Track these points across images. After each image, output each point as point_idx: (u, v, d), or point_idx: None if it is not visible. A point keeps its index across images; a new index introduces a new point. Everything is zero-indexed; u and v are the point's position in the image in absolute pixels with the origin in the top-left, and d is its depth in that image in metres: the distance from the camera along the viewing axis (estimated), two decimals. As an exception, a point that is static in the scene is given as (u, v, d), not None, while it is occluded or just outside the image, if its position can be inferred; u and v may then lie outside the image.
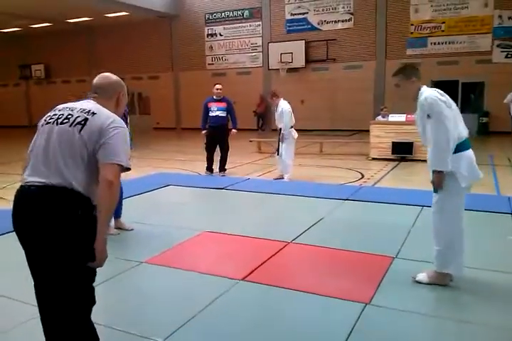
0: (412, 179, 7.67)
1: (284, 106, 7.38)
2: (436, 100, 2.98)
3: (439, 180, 3.00)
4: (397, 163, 9.06)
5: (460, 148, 3.01)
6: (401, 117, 9.49)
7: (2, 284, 3.36)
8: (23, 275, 3.56)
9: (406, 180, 7.56)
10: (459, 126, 3.03)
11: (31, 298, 3.10)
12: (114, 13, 18.01)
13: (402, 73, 3.24)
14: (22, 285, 3.36)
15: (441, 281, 3.19)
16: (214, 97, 7.94)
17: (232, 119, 8.05)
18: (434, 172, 3.03)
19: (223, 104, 7.94)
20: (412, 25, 15.43)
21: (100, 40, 21.27)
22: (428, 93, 3.06)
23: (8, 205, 6.55)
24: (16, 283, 3.40)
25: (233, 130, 8.04)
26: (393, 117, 9.72)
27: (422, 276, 3.25)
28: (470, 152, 3.08)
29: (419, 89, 3.16)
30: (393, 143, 9.24)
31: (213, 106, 7.88)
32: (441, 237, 3.13)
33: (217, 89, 7.89)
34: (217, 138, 8.01)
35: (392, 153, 9.27)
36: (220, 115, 7.89)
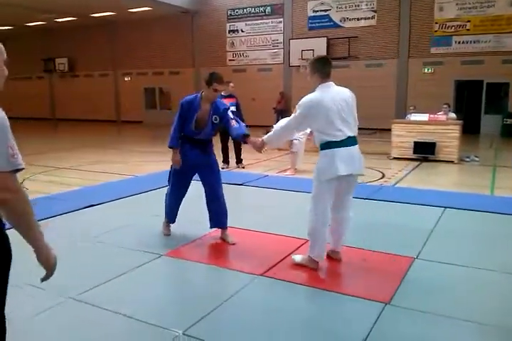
0: (434, 180, 7.57)
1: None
2: (308, 102, 3.30)
3: (259, 145, 3.71)
4: (418, 163, 8.94)
5: (332, 145, 3.24)
6: (423, 116, 9.36)
7: (28, 273, 3.41)
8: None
9: (428, 180, 7.45)
10: (333, 125, 3.24)
11: (54, 286, 3.16)
12: (137, 8, 18.14)
13: (311, 63, 3.43)
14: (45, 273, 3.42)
15: (310, 264, 3.46)
16: (223, 94, 8.07)
17: (239, 115, 8.09)
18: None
19: (233, 100, 8.28)
20: (436, 23, 15.18)
21: (123, 35, 21.45)
22: (309, 95, 3.34)
23: (31, 196, 6.66)
24: (39, 271, 3.46)
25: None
26: (415, 116, 9.60)
27: (298, 257, 3.56)
28: (342, 150, 3.25)
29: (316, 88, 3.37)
30: (415, 142, 9.12)
31: (225, 102, 7.95)
32: (308, 223, 3.45)
33: (231, 87, 8.30)
34: None
35: (414, 153, 9.15)
36: (232, 110, 7.96)
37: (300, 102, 3.36)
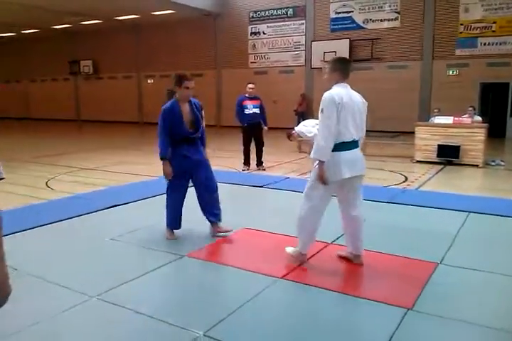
0: (458, 183, 7.44)
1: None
2: (332, 97, 3.25)
3: (320, 169, 3.31)
4: (442, 166, 8.80)
5: (340, 147, 3.28)
6: (448, 119, 9.21)
7: (53, 271, 3.49)
8: (72, 265, 3.71)
9: (452, 184, 7.33)
10: (346, 125, 3.27)
11: (78, 285, 3.22)
12: (160, 11, 18.36)
13: (332, 62, 3.43)
14: (70, 273, 3.50)
15: (297, 257, 3.58)
16: (247, 95, 8.29)
17: (263, 117, 8.43)
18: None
19: (257, 102, 8.39)
20: (461, 24, 14.92)
21: (146, 37, 21.72)
22: (329, 91, 3.32)
23: (56, 195, 6.82)
24: (64, 270, 3.53)
25: (265, 127, 8.47)
26: (439, 119, 9.45)
27: (290, 249, 3.66)
28: (347, 153, 3.31)
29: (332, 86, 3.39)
30: (439, 145, 8.97)
31: (249, 104, 8.30)
32: (297, 217, 3.53)
33: (250, 88, 8.33)
34: (254, 134, 8.47)
35: (438, 156, 9.01)
36: (256, 112, 8.35)
37: (323, 100, 3.31)
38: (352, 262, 3.62)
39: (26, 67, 26.55)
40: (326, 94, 3.31)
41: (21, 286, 3.25)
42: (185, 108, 4.13)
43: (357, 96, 3.43)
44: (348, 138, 3.30)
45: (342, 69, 3.37)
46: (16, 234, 4.37)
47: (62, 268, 3.56)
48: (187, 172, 4.17)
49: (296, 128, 6.93)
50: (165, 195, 4.32)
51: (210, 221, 4.33)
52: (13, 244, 4.11)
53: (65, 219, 4.88)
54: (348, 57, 16.44)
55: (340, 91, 3.31)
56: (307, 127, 6.75)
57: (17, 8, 17.11)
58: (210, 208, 4.29)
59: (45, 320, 2.76)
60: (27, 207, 5.60)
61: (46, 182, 7.49)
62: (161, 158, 4.07)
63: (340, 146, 3.29)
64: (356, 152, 3.38)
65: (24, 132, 19.10)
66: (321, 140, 3.26)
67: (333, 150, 3.28)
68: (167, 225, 4.31)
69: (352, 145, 3.34)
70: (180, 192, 4.21)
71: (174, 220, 4.29)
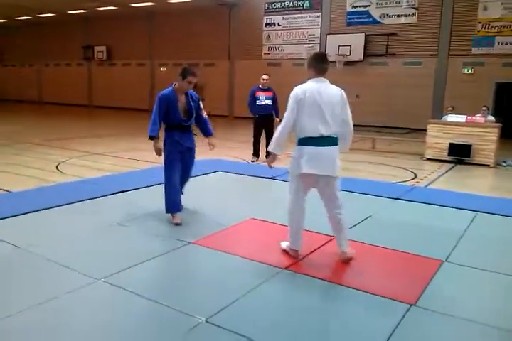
0: (468, 183, 7.39)
1: None
2: (295, 92, 3.35)
3: (271, 159, 3.58)
4: (453, 165, 8.73)
5: (304, 142, 3.32)
6: (461, 118, 9.12)
7: (60, 253, 3.53)
8: (79, 247, 3.75)
9: (461, 183, 7.28)
10: (311, 121, 3.28)
11: (84, 267, 3.26)
12: (176, -1, 18.29)
13: (308, 59, 3.53)
14: (77, 255, 3.54)
15: (290, 252, 3.59)
16: (260, 86, 8.34)
17: (275, 109, 8.41)
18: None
19: (270, 94, 8.37)
20: (479, 23, 14.69)
21: (160, 25, 21.67)
22: (298, 86, 3.41)
23: (66, 179, 6.88)
24: (71, 252, 3.57)
25: (277, 119, 8.39)
26: (452, 117, 9.36)
27: (284, 243, 3.67)
28: (311, 149, 3.29)
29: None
30: (450, 144, 8.90)
31: (261, 95, 8.31)
32: (287, 215, 3.55)
33: (264, 80, 8.29)
34: (265, 125, 8.43)
35: (449, 155, 8.93)
36: (268, 104, 8.35)
37: (290, 94, 3.39)
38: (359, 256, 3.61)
39: (40, 51, 26.66)
40: (293, 90, 3.41)
41: (28, 266, 3.30)
42: (182, 98, 4.38)
43: (332, 90, 3.39)
44: (313, 133, 3.28)
45: (315, 65, 3.41)
46: (25, 214, 4.43)
47: (69, 251, 3.60)
48: (179, 158, 4.42)
49: None
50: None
51: None
52: (21, 225, 4.17)
53: (73, 202, 4.92)
54: (362, 51, 16.33)
55: (311, 86, 3.34)
56: None
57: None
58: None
59: (50, 300, 2.79)
60: (37, 189, 5.65)
61: (56, 166, 7.55)
62: (150, 137, 4.32)
63: (304, 141, 3.32)
64: (324, 149, 3.30)
65: (36, 115, 19.23)
66: (277, 132, 3.43)
67: (298, 144, 3.38)
68: (169, 211, 4.42)
69: (319, 141, 3.28)
70: (176, 174, 4.42)
71: (174, 203, 4.42)
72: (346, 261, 3.50)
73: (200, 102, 4.56)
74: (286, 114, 3.37)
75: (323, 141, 3.29)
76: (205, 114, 4.61)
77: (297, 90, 3.36)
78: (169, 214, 4.42)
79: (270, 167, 3.70)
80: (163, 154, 4.37)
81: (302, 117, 3.30)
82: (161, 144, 4.35)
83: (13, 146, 9.77)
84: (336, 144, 3.37)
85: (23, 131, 12.79)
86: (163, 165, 4.43)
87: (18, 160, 8.12)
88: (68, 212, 4.66)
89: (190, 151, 4.53)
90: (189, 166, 4.61)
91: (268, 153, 9.05)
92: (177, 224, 4.29)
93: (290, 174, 3.51)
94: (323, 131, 3.28)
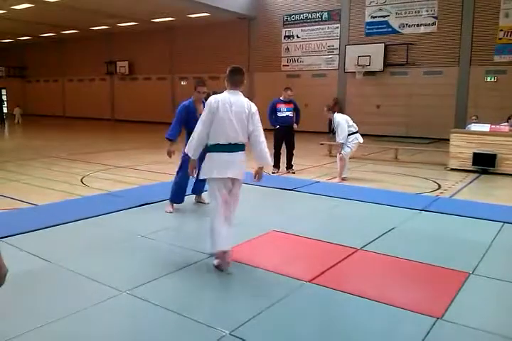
0: (493, 193, 7.24)
1: (338, 118, 7.72)
2: (210, 101, 3.57)
3: (190, 164, 3.85)
4: (477, 175, 8.58)
5: (214, 148, 3.56)
6: (484, 127, 8.98)
7: (85, 266, 3.59)
8: (104, 260, 3.80)
9: (487, 193, 7.14)
10: (221, 129, 3.52)
11: (110, 280, 3.31)
12: (195, 13, 18.61)
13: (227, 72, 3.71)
14: (103, 268, 3.59)
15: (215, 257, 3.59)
16: (282, 98, 8.42)
17: (297, 117, 8.71)
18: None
19: (291, 105, 8.57)
20: (501, 30, 14.53)
21: (180, 39, 22.07)
22: (214, 96, 3.64)
23: (91, 192, 7.00)
24: (97, 265, 3.63)
25: (295, 125, 8.67)
26: (476, 127, 9.24)
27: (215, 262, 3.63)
28: (221, 155, 3.54)
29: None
30: (474, 154, 8.76)
31: (282, 107, 8.52)
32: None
33: (290, 95, 8.53)
34: (286, 136, 8.60)
35: (473, 165, 8.79)
36: (289, 115, 8.54)
37: (206, 103, 3.65)
38: (379, 267, 3.58)
39: (64, 67, 27.42)
40: (209, 99, 3.65)
41: (54, 279, 3.37)
42: (200, 107, 4.95)
43: (242, 102, 3.62)
44: (222, 140, 3.53)
45: (230, 79, 3.67)
46: (51, 227, 4.52)
47: (95, 263, 3.66)
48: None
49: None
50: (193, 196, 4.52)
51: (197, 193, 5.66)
52: (47, 238, 4.26)
53: (98, 215, 5.01)
54: (382, 61, 16.28)
55: (224, 97, 3.59)
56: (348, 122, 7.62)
57: (57, 10, 17.69)
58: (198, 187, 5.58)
59: (78, 312, 2.84)
60: (62, 202, 5.77)
61: (81, 179, 7.71)
62: (167, 139, 5.08)
63: (213, 148, 3.57)
64: (232, 155, 3.57)
65: (61, 130, 19.70)
66: (191, 136, 3.69)
67: (208, 151, 3.61)
68: (170, 200, 5.23)
69: (228, 147, 3.55)
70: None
71: (179, 196, 5.23)
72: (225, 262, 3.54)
73: None
74: (199, 121, 3.60)
75: (232, 147, 3.58)
76: None
77: (211, 100, 3.59)
78: (170, 204, 5.22)
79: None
80: (182, 156, 5.01)
81: (214, 125, 3.54)
82: (174, 147, 5.04)
83: (40, 160, 10.02)
84: (241, 149, 3.63)
85: (49, 145, 13.11)
86: (180, 164, 5.18)
87: (44, 173, 8.33)
88: (93, 224, 4.74)
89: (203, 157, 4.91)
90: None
91: (290, 166, 9.12)
92: (170, 212, 5.12)
93: (208, 180, 3.70)
94: (235, 139, 3.56)
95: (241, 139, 3.59)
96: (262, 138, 3.67)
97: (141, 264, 3.67)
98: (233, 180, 3.65)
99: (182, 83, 22.63)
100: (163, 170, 8.62)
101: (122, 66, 24.47)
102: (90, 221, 4.83)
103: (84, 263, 3.65)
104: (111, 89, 25.91)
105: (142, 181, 7.60)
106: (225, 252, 3.52)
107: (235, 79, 3.66)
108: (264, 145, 3.68)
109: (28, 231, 4.37)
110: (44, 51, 28.10)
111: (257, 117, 3.66)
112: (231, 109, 3.53)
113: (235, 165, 3.59)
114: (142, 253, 3.92)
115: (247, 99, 3.68)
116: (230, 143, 3.55)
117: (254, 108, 3.68)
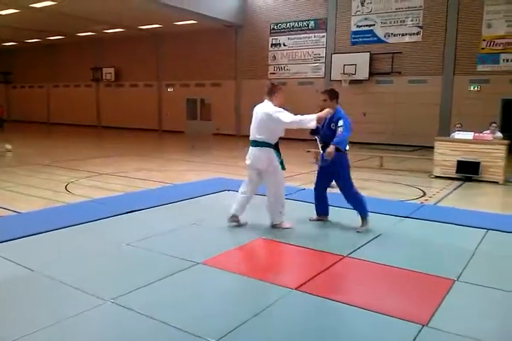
0: (477, 200, 7.34)
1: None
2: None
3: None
4: (461, 182, 8.70)
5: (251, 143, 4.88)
6: (468, 135, 9.12)
7: (69, 274, 3.53)
8: (88, 268, 3.75)
9: (471, 201, 7.23)
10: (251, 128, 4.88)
11: (94, 288, 3.26)
12: (182, 21, 18.65)
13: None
14: (86, 276, 3.54)
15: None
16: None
17: None
18: None
19: None
20: (483, 40, 14.84)
21: (167, 46, 22.07)
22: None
23: (75, 199, 6.91)
24: (80, 273, 3.57)
25: None
26: (459, 135, 9.37)
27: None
28: (250, 148, 4.88)
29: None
30: (458, 161, 8.88)
31: None
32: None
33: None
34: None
35: (457, 172, 8.90)
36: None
37: None
38: (370, 275, 3.58)
39: (50, 73, 27.20)
40: None
41: (37, 288, 3.31)
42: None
43: (260, 108, 4.81)
44: (250, 137, 4.85)
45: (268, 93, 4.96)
46: (34, 235, 4.45)
47: (79, 272, 3.60)
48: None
49: None
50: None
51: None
52: (31, 246, 4.19)
53: (82, 222, 4.94)
54: (368, 70, 16.44)
55: (258, 105, 4.90)
56: None
57: (44, 16, 17.58)
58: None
59: (60, 322, 2.79)
60: (46, 209, 5.69)
61: (65, 186, 7.61)
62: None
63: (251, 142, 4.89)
64: (252, 149, 4.83)
65: (45, 136, 19.49)
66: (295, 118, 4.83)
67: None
68: (366, 215, 5.10)
69: (251, 143, 4.84)
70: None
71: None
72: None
73: None
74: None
75: (252, 143, 4.84)
76: None
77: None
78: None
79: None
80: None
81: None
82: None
83: (23, 167, 9.88)
84: (257, 145, 4.78)
85: (33, 153, 12.95)
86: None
87: (28, 181, 8.21)
88: (78, 232, 4.67)
89: None
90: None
91: None
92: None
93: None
94: (252, 137, 4.81)
95: (257, 137, 4.77)
96: (287, 119, 4.65)
97: (126, 272, 3.62)
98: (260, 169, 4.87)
99: (168, 90, 22.60)
100: (148, 177, 8.57)
101: (108, 72, 24.35)
102: (75, 229, 4.77)
103: (68, 271, 3.59)
104: (97, 95, 25.74)
105: (127, 188, 7.53)
106: None
107: (267, 93, 4.93)
108: (298, 119, 4.71)
109: (11, 239, 4.29)
110: (30, 57, 27.85)
111: (275, 115, 4.67)
112: (255, 113, 4.86)
113: (253, 157, 4.84)
114: (127, 262, 3.87)
115: (267, 105, 4.78)
116: (250, 140, 4.90)
117: (269, 111, 4.70)
